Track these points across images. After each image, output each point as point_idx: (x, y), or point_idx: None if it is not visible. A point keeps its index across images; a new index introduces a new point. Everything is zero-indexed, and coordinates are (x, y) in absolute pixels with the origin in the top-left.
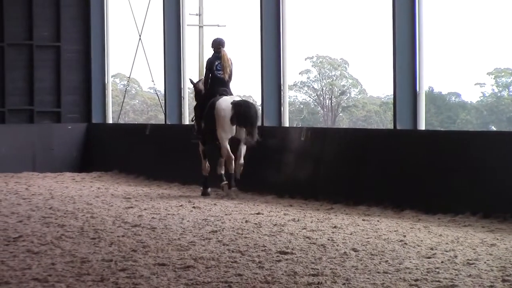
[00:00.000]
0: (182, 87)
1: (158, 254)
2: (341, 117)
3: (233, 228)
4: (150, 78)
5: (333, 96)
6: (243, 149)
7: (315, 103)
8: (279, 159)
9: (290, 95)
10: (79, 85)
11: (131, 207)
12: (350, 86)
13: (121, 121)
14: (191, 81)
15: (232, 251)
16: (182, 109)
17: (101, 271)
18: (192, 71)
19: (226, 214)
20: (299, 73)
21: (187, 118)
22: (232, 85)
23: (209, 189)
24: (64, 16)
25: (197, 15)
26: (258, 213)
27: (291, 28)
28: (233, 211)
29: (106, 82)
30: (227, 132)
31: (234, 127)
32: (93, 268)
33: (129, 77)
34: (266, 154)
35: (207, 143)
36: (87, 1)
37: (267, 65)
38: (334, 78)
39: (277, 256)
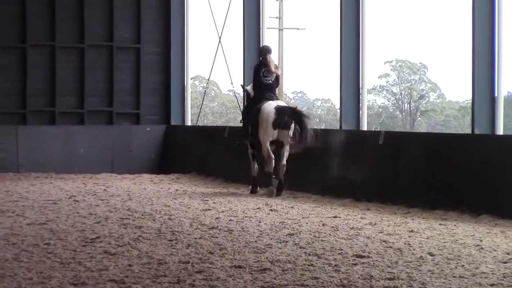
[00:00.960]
0: None
1: (234, 256)
2: (420, 121)
3: (310, 231)
4: (229, 80)
5: (411, 100)
6: (286, 152)
7: (394, 107)
8: (357, 163)
9: (368, 99)
10: (159, 87)
11: (209, 209)
12: (428, 90)
13: (199, 123)
14: (242, 87)
15: (309, 254)
16: None
17: (178, 273)
18: None
19: (303, 217)
20: (378, 77)
21: None
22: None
23: (258, 188)
24: (144, 18)
25: (277, 18)
26: (335, 216)
27: (370, 31)
28: (310, 214)
29: (185, 84)
30: (268, 135)
31: (276, 130)
32: (170, 270)
33: (208, 80)
34: (344, 157)
35: (256, 146)
36: (168, 2)
37: (346, 68)
38: (413, 82)
39: (354, 259)
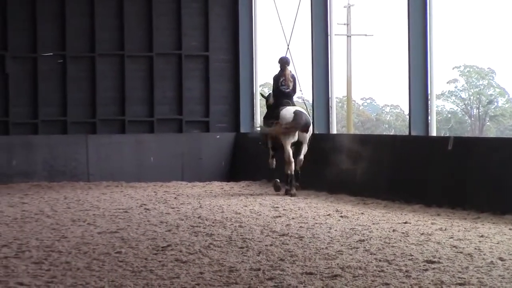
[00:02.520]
0: (329, 96)
1: (305, 263)
2: (489, 126)
3: (380, 237)
4: (298, 87)
5: (480, 105)
6: (304, 149)
7: (463, 112)
8: (426, 168)
9: (437, 104)
10: (228, 95)
11: (279, 216)
12: (497, 95)
13: None
14: (262, 95)
15: (379, 260)
16: (330, 118)
17: (249, 280)
18: (340, 80)
19: (373, 223)
20: (447, 82)
21: (335, 127)
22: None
23: (279, 182)
24: (213, 26)
25: (345, 24)
26: (405, 222)
27: (438, 37)
28: (381, 220)
29: (254, 92)
30: (289, 138)
31: (296, 133)
32: (241, 277)
33: None
34: (413, 163)
35: (277, 149)
36: (236, 10)
37: (414, 74)
38: (482, 87)
39: (424, 265)
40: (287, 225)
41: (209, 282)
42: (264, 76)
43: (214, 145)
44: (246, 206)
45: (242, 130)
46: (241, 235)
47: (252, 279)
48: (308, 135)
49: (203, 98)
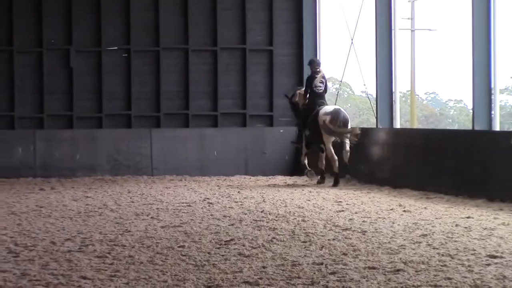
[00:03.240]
0: (393, 91)
1: (368, 257)
2: None
3: (443, 231)
4: (362, 82)
5: None
6: (347, 143)
7: None
8: (489, 163)
9: (501, 99)
10: (291, 89)
11: (342, 211)
12: None
13: None
14: (286, 96)
15: (442, 255)
16: (394, 113)
17: (312, 274)
18: (404, 75)
19: (436, 218)
20: (510, 77)
21: (398, 121)
22: None
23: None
24: (277, 20)
25: (408, 19)
26: (468, 217)
27: (502, 32)
28: (444, 215)
29: None
30: (330, 136)
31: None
32: (304, 271)
33: (341, 81)
34: (476, 158)
35: (310, 147)
36: (300, 4)
37: (478, 69)
38: None
39: (487, 260)
40: (350, 219)
41: (272, 276)
42: (328, 70)
43: (278, 139)
44: (309, 200)
45: None
46: (304, 230)
47: (314, 273)
48: (349, 128)
49: (267, 92)
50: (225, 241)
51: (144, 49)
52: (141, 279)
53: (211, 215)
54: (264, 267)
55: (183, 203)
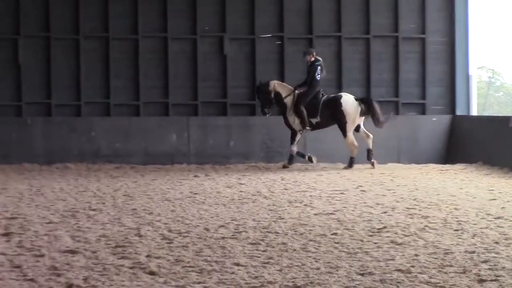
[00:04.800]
0: None
1: None
2: None
3: None
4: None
5: None
6: (364, 129)
7: None
8: None
9: None
10: (444, 77)
11: (494, 199)
12: None
13: (485, 113)
14: (261, 83)
15: None
16: None
17: (463, 262)
18: None
19: None
20: None
21: None
22: None
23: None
24: (429, 8)
25: None
26: None
27: None
28: None
29: (470, 74)
30: (354, 124)
31: (361, 118)
32: (456, 260)
33: (493, 70)
34: None
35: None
36: None
37: None
38: None
39: None
40: (502, 207)
41: (424, 264)
42: (480, 58)
43: (431, 127)
44: (461, 188)
45: (458, 112)
46: (456, 218)
47: (466, 261)
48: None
49: (420, 80)
50: (377, 229)
51: (296, 37)
52: (293, 266)
53: (364, 202)
54: (416, 255)
55: (336, 190)
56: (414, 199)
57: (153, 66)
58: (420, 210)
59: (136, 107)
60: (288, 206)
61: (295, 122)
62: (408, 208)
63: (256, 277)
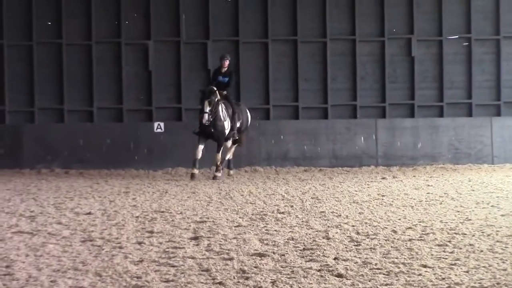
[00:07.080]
0: None
1: None
2: None
3: None
4: None
5: None
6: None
7: None
8: None
9: None
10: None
11: None
12: None
13: None
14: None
15: None
16: None
17: None
18: None
19: None
20: None
21: None
22: None
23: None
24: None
25: None
26: None
27: None
28: None
29: None
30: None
31: None
32: None
33: None
34: None
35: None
36: None
37: None
38: None
39: None
40: None
41: None
42: None
43: None
44: None
45: None
46: None
47: None
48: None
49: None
50: None
51: (484, 38)
52: (480, 267)
53: None
54: None
55: None
56: None
57: (340, 69)
58: None
59: (324, 110)
60: (475, 207)
61: None
62: None
63: (443, 278)
